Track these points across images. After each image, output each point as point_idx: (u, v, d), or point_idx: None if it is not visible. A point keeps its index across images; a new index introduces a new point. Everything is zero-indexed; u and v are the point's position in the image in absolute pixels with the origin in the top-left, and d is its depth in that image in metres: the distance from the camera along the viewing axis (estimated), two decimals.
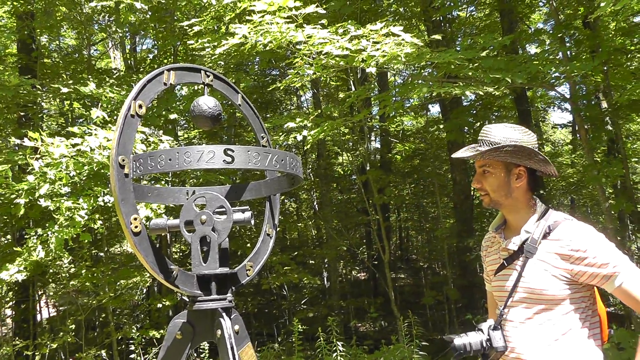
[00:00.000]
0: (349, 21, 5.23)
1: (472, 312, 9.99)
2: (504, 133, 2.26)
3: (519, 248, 2.25)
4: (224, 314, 2.43)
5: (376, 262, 14.02)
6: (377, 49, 4.95)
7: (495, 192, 2.29)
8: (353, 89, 10.02)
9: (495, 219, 2.50)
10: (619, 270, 2.03)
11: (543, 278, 2.15)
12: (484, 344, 2.25)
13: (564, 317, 2.15)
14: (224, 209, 2.56)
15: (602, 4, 4.59)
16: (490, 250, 2.53)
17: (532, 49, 15.51)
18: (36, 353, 8.25)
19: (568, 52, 7.37)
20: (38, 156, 6.27)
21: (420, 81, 6.24)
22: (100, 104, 7.73)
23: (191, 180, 9.21)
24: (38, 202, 6.07)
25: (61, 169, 6.05)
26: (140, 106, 2.49)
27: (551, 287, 2.13)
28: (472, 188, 13.86)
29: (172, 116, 8.93)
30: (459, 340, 2.27)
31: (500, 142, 2.22)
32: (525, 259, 2.21)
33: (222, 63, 8.94)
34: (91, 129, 6.31)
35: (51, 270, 8.79)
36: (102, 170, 6.21)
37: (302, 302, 13.54)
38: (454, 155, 2.53)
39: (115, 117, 7.77)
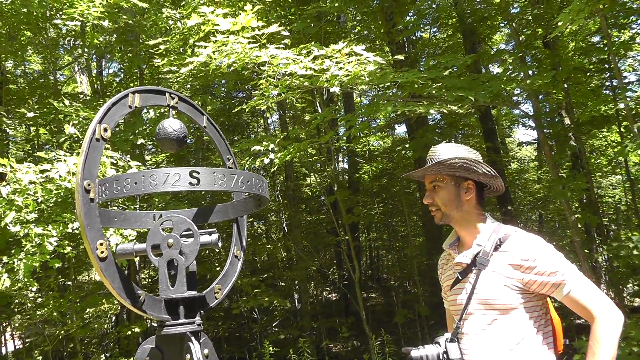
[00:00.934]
0: (313, 42, 5.30)
1: (445, 329, 10.03)
2: (450, 150, 2.35)
3: (471, 261, 2.30)
4: (192, 338, 2.41)
5: (347, 282, 14.00)
6: (341, 68, 5.02)
7: (446, 206, 2.36)
8: (319, 110, 10.10)
9: (449, 236, 2.57)
10: (567, 279, 2.10)
11: (495, 288, 2.20)
12: (441, 356, 2.30)
13: (518, 326, 2.19)
14: (191, 232, 2.55)
15: (560, 24, 4.75)
16: (446, 268, 2.59)
17: (495, 69, 15.90)
18: None
19: (530, 72, 7.56)
20: (5, 183, 6.15)
21: (384, 101, 6.32)
22: (70, 122, 7.62)
23: (160, 205, 9.11)
24: (7, 228, 5.93)
25: (28, 195, 5.94)
26: (105, 129, 2.49)
27: (503, 296, 2.18)
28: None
29: (140, 141, 8.86)
30: (416, 352, 2.31)
31: (452, 158, 2.30)
32: (478, 271, 2.25)
33: (189, 85, 8.94)
34: (59, 155, 6.22)
35: (17, 301, 8.56)
36: (70, 198, 6.12)
37: (274, 324, 13.41)
38: (404, 175, 2.64)
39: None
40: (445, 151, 2.35)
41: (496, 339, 2.21)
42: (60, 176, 5.92)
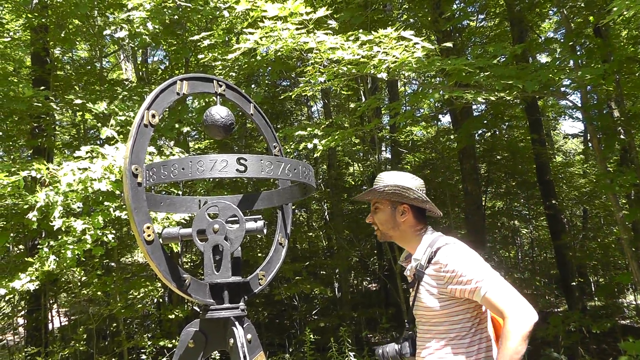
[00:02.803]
0: (360, 30, 5.23)
1: None
2: (391, 178, 2.67)
3: (413, 274, 2.61)
4: (236, 323, 2.43)
5: (387, 273, 13.91)
6: (388, 54, 4.95)
7: (383, 226, 2.69)
8: (363, 99, 10.02)
9: (404, 251, 2.85)
10: (481, 285, 2.32)
11: (428, 297, 2.49)
12: (397, 351, 2.70)
13: (451, 327, 2.47)
14: (236, 218, 2.56)
15: (615, 9, 4.55)
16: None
17: (543, 59, 15.47)
18: None
19: (580, 61, 7.30)
20: (47, 185, 6.35)
21: (430, 90, 6.22)
22: (111, 121, 7.78)
23: (202, 191, 9.23)
24: (50, 222, 6.13)
25: (71, 192, 6.11)
26: (153, 116, 2.51)
27: (434, 304, 2.47)
28: (483, 198, 13.82)
29: (185, 129, 8.97)
30: (379, 349, 2.74)
31: (387, 185, 2.63)
32: (417, 282, 2.56)
33: (234, 74, 8.98)
34: (99, 151, 6.36)
35: (63, 279, 8.82)
36: (115, 189, 6.26)
37: (313, 312, 13.47)
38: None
39: (127, 130, 7.82)
40: (388, 178, 2.68)
41: (433, 340, 2.50)
42: (97, 179, 6.04)
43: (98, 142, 9.59)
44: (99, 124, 8.29)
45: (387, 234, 2.70)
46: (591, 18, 7.90)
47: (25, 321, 10.26)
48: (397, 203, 2.64)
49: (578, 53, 8.13)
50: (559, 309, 14.50)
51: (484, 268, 2.39)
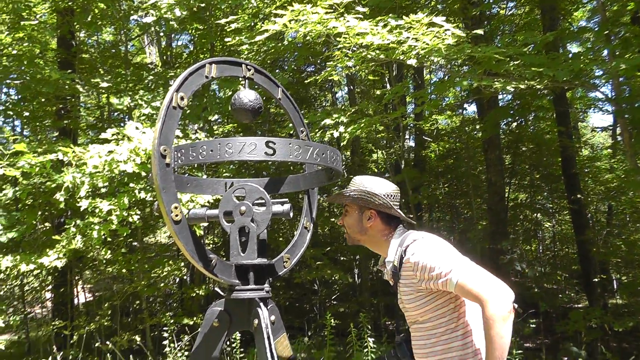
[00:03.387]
0: (390, 15, 5.19)
1: None
2: (361, 182, 2.70)
3: (391, 277, 2.63)
4: (261, 304, 2.46)
5: None
6: (417, 40, 4.91)
7: (350, 229, 2.73)
8: (388, 87, 9.96)
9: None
10: (451, 276, 2.28)
11: (409, 297, 2.50)
12: (393, 354, 2.73)
13: (438, 322, 2.46)
14: (263, 201, 2.58)
15: None
16: None
17: (574, 49, 15.17)
18: (74, 334, 8.47)
19: (615, 51, 7.11)
20: (73, 165, 6.46)
21: (458, 78, 6.14)
22: (135, 110, 7.87)
23: (225, 174, 9.29)
24: (77, 203, 6.25)
25: (97, 173, 6.21)
26: (182, 98, 2.53)
27: (416, 303, 2.47)
28: (506, 189, 13.69)
29: (214, 117, 9.00)
30: (380, 355, 2.75)
31: (354, 190, 2.67)
32: (396, 283, 2.58)
33: (259, 58, 9.00)
34: (125, 134, 6.44)
35: (88, 256, 8.98)
36: (137, 171, 6.35)
37: (333, 297, 13.54)
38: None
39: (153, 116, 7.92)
40: (357, 182, 2.71)
41: (422, 337, 2.52)
42: (124, 161, 6.12)
43: (122, 125, 9.69)
44: (124, 106, 8.38)
45: (355, 237, 2.73)
46: (631, 5, 7.68)
47: (53, 296, 10.48)
48: (364, 208, 2.66)
49: (613, 43, 7.93)
50: (579, 305, 14.35)
51: (452, 257, 2.37)
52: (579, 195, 12.28)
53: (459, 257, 2.39)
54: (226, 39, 8.79)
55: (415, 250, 2.44)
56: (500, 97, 12.83)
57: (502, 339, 2.12)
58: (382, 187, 2.66)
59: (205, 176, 8.07)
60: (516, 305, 2.25)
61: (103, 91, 10.02)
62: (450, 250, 2.44)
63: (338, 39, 5.40)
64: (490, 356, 2.15)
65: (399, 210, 2.64)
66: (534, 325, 11.27)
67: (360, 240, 2.73)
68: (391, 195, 2.64)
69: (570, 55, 7.39)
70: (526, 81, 5.53)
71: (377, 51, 5.30)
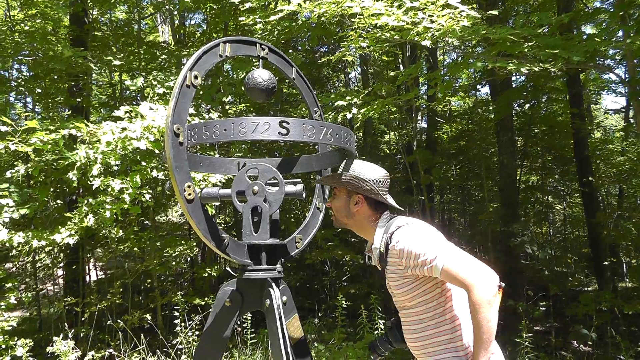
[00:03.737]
0: None
1: (515, 299, 9.82)
2: (351, 166, 2.65)
3: (378, 263, 2.61)
4: (273, 284, 2.47)
5: None
6: (433, 22, 4.85)
7: (337, 212, 2.69)
8: (402, 68, 9.89)
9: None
10: (436, 262, 2.27)
11: (396, 283, 2.49)
12: (386, 339, 2.75)
13: (426, 307, 2.45)
14: (276, 181, 2.58)
15: None
16: None
17: (588, 30, 14.95)
18: (85, 311, 8.56)
19: (630, 32, 6.99)
20: (86, 142, 6.46)
21: (472, 60, 6.08)
22: (150, 89, 7.85)
23: (237, 155, 9.29)
24: (89, 181, 6.27)
25: (110, 151, 6.22)
26: (195, 77, 2.52)
27: (404, 289, 2.46)
28: (518, 171, 13.61)
29: (228, 98, 8.97)
30: (372, 343, 2.82)
31: (343, 173, 2.62)
32: (383, 270, 2.57)
33: (273, 38, 8.92)
34: (138, 111, 6.43)
35: (100, 234, 9.03)
36: (150, 148, 6.35)
37: (343, 279, 13.58)
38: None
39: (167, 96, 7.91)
40: (346, 167, 2.67)
41: (411, 323, 2.52)
42: (137, 138, 6.12)
43: (134, 103, 9.69)
44: (136, 84, 8.36)
45: (342, 221, 2.70)
46: None
47: (64, 273, 10.58)
48: (352, 192, 2.62)
49: (628, 24, 7.79)
50: (589, 288, 14.33)
51: (437, 244, 2.36)
52: (590, 178, 12.20)
53: (444, 243, 2.38)
54: (240, 18, 8.72)
55: (400, 238, 2.42)
56: (513, 78, 12.69)
57: (488, 322, 2.14)
58: (371, 173, 2.63)
59: (217, 156, 8.08)
60: (503, 284, 2.27)
61: (115, 69, 10.00)
62: (435, 236, 2.42)
63: (353, 19, 5.33)
64: (478, 339, 2.18)
65: (385, 197, 2.61)
66: (544, 309, 11.28)
67: (346, 224, 2.70)
68: (380, 181, 2.61)
69: (585, 36, 7.26)
70: (540, 63, 5.44)
71: (392, 32, 5.23)
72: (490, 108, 13.19)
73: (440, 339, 2.42)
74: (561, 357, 9.12)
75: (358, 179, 2.55)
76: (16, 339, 6.22)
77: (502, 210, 11.82)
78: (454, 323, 2.41)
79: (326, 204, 2.79)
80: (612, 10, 8.39)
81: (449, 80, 7.80)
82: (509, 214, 11.32)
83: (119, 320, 8.03)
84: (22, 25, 9.64)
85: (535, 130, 14.44)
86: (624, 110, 16.35)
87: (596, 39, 6.05)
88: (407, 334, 2.56)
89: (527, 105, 14.19)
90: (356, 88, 13.76)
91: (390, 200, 2.64)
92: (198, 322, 7.36)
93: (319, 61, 10.47)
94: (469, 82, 14.14)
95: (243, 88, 2.95)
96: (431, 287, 2.42)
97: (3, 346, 6.10)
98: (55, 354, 6.12)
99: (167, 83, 7.99)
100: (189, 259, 12.25)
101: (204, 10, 11.43)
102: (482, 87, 15.61)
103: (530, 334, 6.76)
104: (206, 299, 8.72)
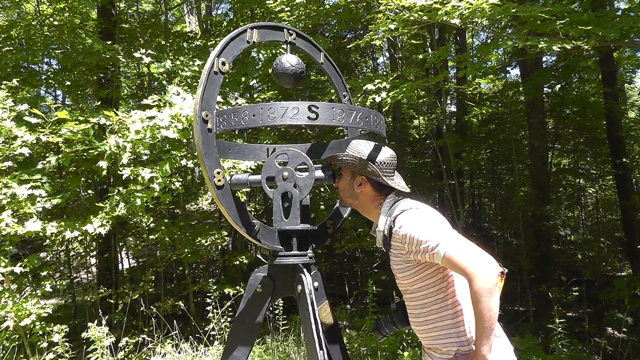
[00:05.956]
0: None
1: (547, 284, 9.68)
2: (357, 147, 2.60)
3: (382, 244, 2.59)
4: (304, 270, 2.46)
5: None
6: (461, 0, 4.75)
7: (342, 192, 2.68)
8: (429, 51, 9.75)
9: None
10: (438, 249, 2.25)
11: (399, 267, 2.48)
12: (390, 321, 2.75)
13: (428, 292, 2.44)
14: (306, 166, 2.57)
15: None
16: None
17: (622, 5, 14.53)
18: (119, 302, 8.72)
19: None
20: (116, 132, 6.53)
21: (501, 40, 5.94)
22: (177, 76, 7.88)
23: (266, 141, 9.31)
24: (119, 171, 6.34)
25: (139, 139, 6.27)
26: (223, 63, 2.51)
27: (406, 273, 2.45)
28: (549, 154, 13.36)
29: (252, 82, 8.95)
30: (377, 323, 2.81)
31: (347, 154, 2.60)
32: (386, 252, 2.56)
33: (301, 24, 8.88)
34: (166, 100, 6.46)
35: (131, 223, 9.15)
36: (178, 137, 6.40)
37: (374, 265, 13.55)
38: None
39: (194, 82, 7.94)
40: (354, 147, 2.61)
41: (415, 306, 2.51)
42: (165, 127, 6.16)
43: (162, 93, 9.78)
44: (164, 75, 8.41)
45: (346, 201, 2.69)
46: None
47: (97, 261, 10.77)
48: (356, 173, 2.60)
49: None
50: (622, 273, 14.04)
51: (440, 230, 2.33)
52: (624, 160, 11.90)
53: (447, 229, 2.37)
54: (267, 1, 8.70)
55: (403, 223, 2.39)
56: (544, 59, 12.43)
57: (490, 311, 2.15)
58: (375, 154, 2.60)
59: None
60: (506, 270, 2.30)
61: (145, 63, 10.10)
62: (438, 222, 2.40)
63: (380, 1, 5.26)
64: (480, 328, 2.19)
65: (389, 179, 2.57)
66: (576, 294, 11.12)
67: (351, 204, 2.71)
68: (385, 163, 2.57)
69: (619, 12, 7.03)
70: (573, 41, 5.29)
71: (420, 13, 5.14)
72: (521, 89, 12.95)
73: (443, 323, 2.43)
74: (595, 343, 8.98)
75: (361, 160, 2.53)
76: (52, 325, 6.36)
77: (533, 194, 11.63)
78: (456, 309, 2.42)
79: (334, 184, 2.78)
80: None
81: (479, 62, 7.64)
82: (540, 198, 11.13)
83: (152, 307, 8.16)
84: (51, 19, 9.76)
85: (567, 112, 14.13)
86: None
87: (632, 17, 5.86)
88: (411, 317, 2.58)
89: (558, 86, 13.90)
90: (384, 73, 13.61)
91: (397, 182, 2.61)
92: (230, 309, 7.44)
93: (347, 47, 10.39)
94: (498, 64, 13.87)
95: (271, 72, 2.93)
96: (433, 272, 2.42)
97: (40, 332, 6.27)
98: (90, 340, 6.24)
99: (192, 68, 8.02)
100: (219, 247, 12.35)
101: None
102: (512, 69, 15.36)
103: (562, 320, 6.65)
104: (238, 287, 8.77)
